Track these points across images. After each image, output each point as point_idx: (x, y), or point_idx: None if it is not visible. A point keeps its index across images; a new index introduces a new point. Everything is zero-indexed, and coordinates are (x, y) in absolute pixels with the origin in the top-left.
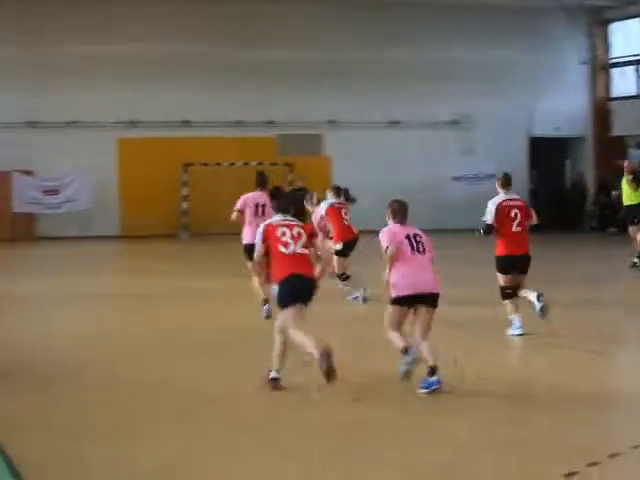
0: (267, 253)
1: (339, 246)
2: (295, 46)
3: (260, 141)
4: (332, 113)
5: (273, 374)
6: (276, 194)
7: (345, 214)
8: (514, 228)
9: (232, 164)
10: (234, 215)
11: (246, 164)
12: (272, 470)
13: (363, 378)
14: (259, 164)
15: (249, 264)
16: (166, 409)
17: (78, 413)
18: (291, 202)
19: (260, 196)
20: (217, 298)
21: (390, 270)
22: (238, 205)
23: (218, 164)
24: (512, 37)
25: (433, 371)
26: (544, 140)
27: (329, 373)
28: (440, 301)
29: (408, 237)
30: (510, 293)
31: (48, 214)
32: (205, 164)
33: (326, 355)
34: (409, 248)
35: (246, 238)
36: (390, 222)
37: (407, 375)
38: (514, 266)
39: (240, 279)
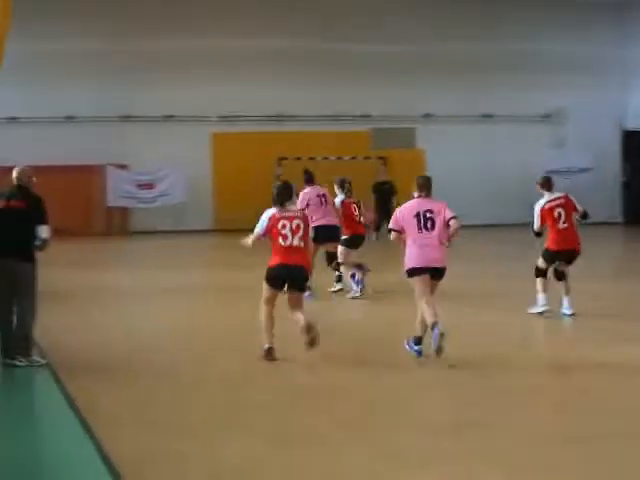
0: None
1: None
2: (390, 39)
3: (354, 135)
4: (426, 106)
5: (265, 346)
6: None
7: (355, 210)
8: (560, 226)
9: (325, 158)
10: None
11: (340, 158)
12: (362, 466)
13: None
14: (352, 158)
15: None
16: (258, 403)
17: (172, 408)
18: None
19: (316, 189)
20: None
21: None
22: (304, 204)
23: (312, 158)
24: (604, 30)
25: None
26: (637, 133)
27: (312, 341)
28: None
29: (418, 215)
30: (544, 272)
31: (142, 208)
32: (299, 158)
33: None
34: (416, 227)
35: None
36: (415, 194)
37: (439, 351)
38: (560, 258)
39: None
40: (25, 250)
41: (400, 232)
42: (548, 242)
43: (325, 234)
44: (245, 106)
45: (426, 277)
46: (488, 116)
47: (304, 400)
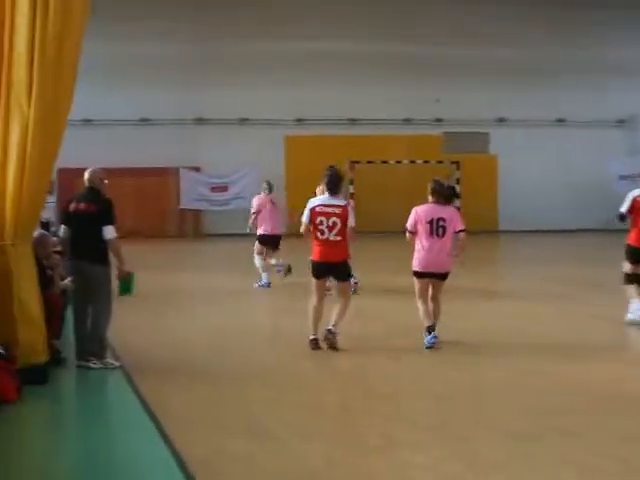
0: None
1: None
2: (466, 44)
3: (427, 139)
4: (500, 111)
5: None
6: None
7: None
8: None
9: (398, 162)
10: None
11: (412, 162)
12: (434, 468)
13: None
14: (425, 162)
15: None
16: (332, 407)
17: (243, 410)
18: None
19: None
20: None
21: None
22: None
23: (384, 162)
24: None
25: (430, 329)
26: None
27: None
28: None
29: (431, 221)
30: (631, 279)
31: (215, 211)
32: (371, 162)
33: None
34: (427, 232)
35: None
36: (429, 198)
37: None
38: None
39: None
40: (97, 252)
41: (414, 234)
42: (631, 238)
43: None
44: (319, 109)
45: (426, 281)
46: (562, 121)
47: (379, 404)
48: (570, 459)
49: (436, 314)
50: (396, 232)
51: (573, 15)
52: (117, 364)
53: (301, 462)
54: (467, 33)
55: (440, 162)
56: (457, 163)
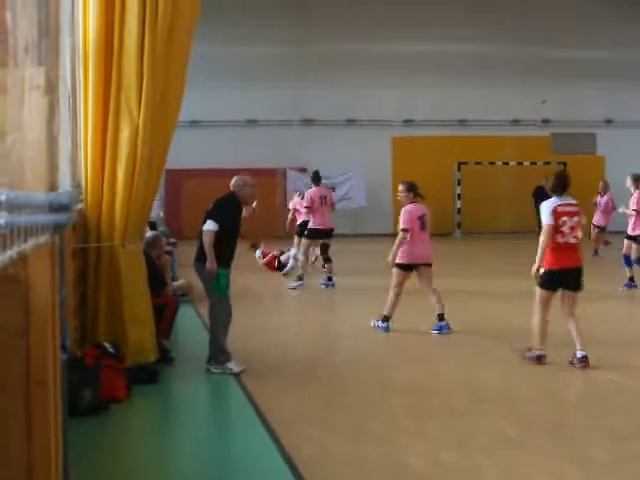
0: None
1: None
2: (575, 46)
3: (534, 140)
4: (607, 112)
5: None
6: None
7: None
8: None
9: (506, 163)
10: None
11: (520, 164)
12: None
13: None
14: (532, 164)
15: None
16: (442, 410)
17: (353, 411)
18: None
19: (320, 190)
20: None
21: (398, 247)
22: (309, 203)
23: (492, 163)
24: None
25: (441, 317)
26: None
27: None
28: None
29: (421, 217)
30: None
31: None
32: (479, 163)
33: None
34: (419, 227)
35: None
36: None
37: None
38: None
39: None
40: (200, 253)
41: (409, 231)
42: None
43: (318, 234)
44: (426, 110)
45: (409, 273)
46: None
47: (490, 406)
48: None
49: (440, 301)
50: (503, 232)
51: None
52: (237, 370)
53: (413, 465)
54: (576, 34)
55: (547, 163)
56: (564, 164)
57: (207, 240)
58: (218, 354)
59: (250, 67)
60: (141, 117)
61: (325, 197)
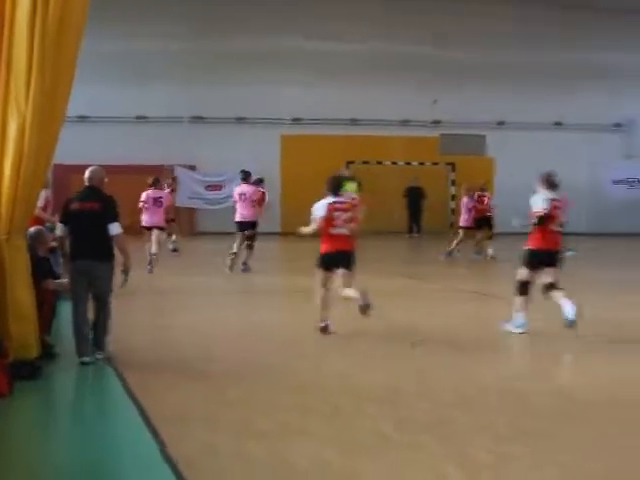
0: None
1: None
2: (466, 47)
3: (424, 141)
4: (497, 114)
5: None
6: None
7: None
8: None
9: (394, 163)
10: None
11: (408, 164)
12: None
13: None
14: (421, 164)
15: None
16: (323, 406)
17: (237, 409)
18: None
19: (242, 187)
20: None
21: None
22: (236, 197)
23: (380, 163)
24: None
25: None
26: None
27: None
28: None
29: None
30: (525, 289)
31: (209, 209)
32: (367, 162)
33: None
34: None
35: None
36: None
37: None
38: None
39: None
40: (105, 250)
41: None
42: (531, 242)
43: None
44: (316, 109)
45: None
46: (559, 124)
47: (374, 404)
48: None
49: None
50: (393, 232)
51: (572, 18)
52: (101, 357)
53: (297, 463)
54: (467, 35)
55: (435, 164)
56: (452, 165)
57: (124, 243)
58: (102, 343)
59: (140, 63)
60: (29, 111)
61: (245, 194)
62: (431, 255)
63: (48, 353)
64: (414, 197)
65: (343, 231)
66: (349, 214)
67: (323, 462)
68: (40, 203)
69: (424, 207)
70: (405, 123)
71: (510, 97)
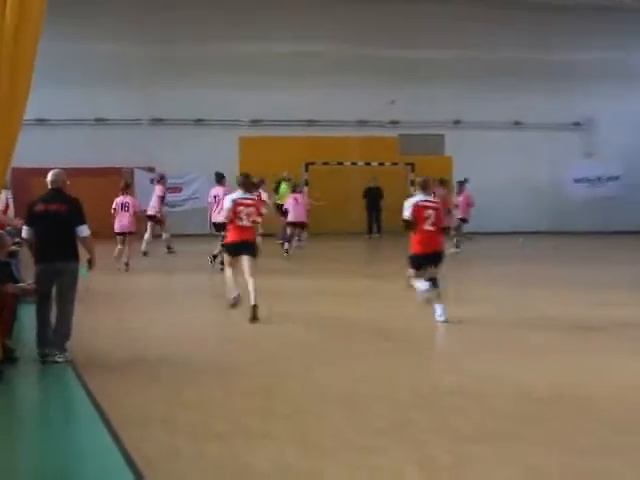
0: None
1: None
2: (423, 46)
3: (382, 141)
4: (456, 113)
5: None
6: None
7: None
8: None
9: (354, 164)
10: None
11: (368, 164)
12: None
13: None
14: (380, 164)
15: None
16: (283, 408)
17: (197, 411)
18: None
19: (218, 189)
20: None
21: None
22: (211, 199)
23: (340, 163)
24: (638, 39)
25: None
26: None
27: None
28: None
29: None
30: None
31: (170, 211)
32: (326, 163)
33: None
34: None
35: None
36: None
37: None
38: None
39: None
40: (72, 251)
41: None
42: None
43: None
44: (274, 111)
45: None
46: (518, 123)
47: (334, 405)
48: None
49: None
50: (353, 233)
51: (531, 17)
52: (69, 358)
53: (256, 465)
54: (424, 36)
55: (395, 164)
56: (411, 165)
57: (92, 245)
58: (64, 344)
59: (99, 65)
60: None
61: (218, 195)
62: (391, 255)
63: (9, 357)
64: (373, 197)
65: (246, 223)
66: (251, 209)
67: (284, 464)
68: (0, 206)
69: (383, 207)
70: (363, 124)
71: (468, 95)
